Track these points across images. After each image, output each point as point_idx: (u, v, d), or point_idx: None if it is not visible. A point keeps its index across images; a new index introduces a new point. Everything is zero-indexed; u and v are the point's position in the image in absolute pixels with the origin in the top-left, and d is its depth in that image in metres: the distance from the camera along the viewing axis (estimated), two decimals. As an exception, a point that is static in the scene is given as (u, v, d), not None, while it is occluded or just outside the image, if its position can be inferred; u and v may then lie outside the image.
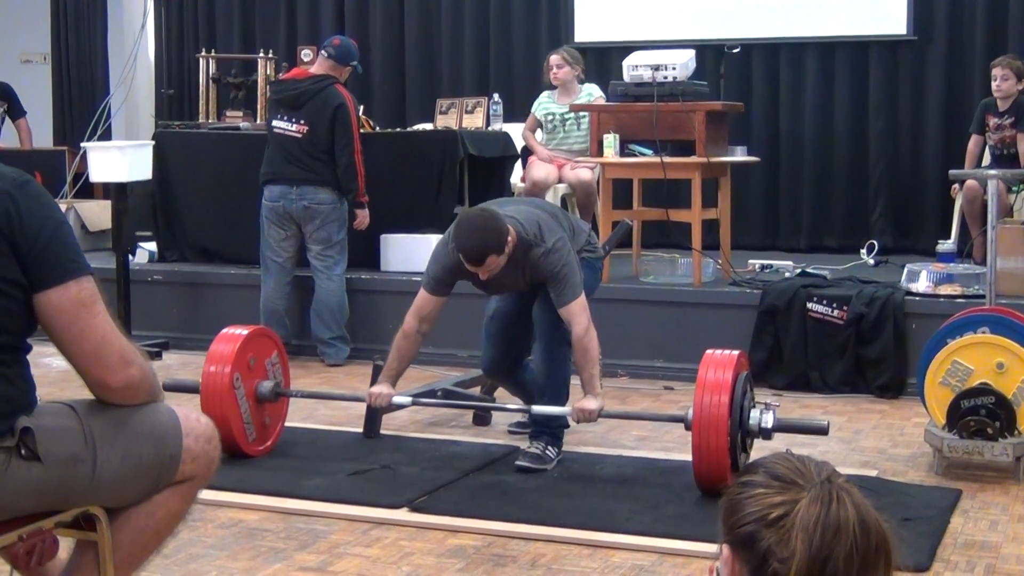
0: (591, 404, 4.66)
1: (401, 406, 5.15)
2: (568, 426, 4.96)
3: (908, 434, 5.57)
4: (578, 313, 4.70)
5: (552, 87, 8.23)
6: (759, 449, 4.51)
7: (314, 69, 7.34)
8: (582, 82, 8.23)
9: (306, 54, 8.36)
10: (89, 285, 2.51)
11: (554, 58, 8.19)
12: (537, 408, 4.95)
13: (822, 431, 4.52)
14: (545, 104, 8.28)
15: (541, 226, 4.80)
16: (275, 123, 7.21)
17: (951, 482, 4.77)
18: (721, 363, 4.49)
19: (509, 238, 4.66)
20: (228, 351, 4.93)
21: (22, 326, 2.51)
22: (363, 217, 7.27)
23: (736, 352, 4.57)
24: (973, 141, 7.83)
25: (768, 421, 4.48)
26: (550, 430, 4.97)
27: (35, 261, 2.45)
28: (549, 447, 4.96)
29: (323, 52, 7.36)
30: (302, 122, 7.13)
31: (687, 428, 4.47)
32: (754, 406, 4.53)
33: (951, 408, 4.77)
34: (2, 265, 2.44)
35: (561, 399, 4.97)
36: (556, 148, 8.20)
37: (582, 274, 4.84)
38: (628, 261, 7.63)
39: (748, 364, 4.72)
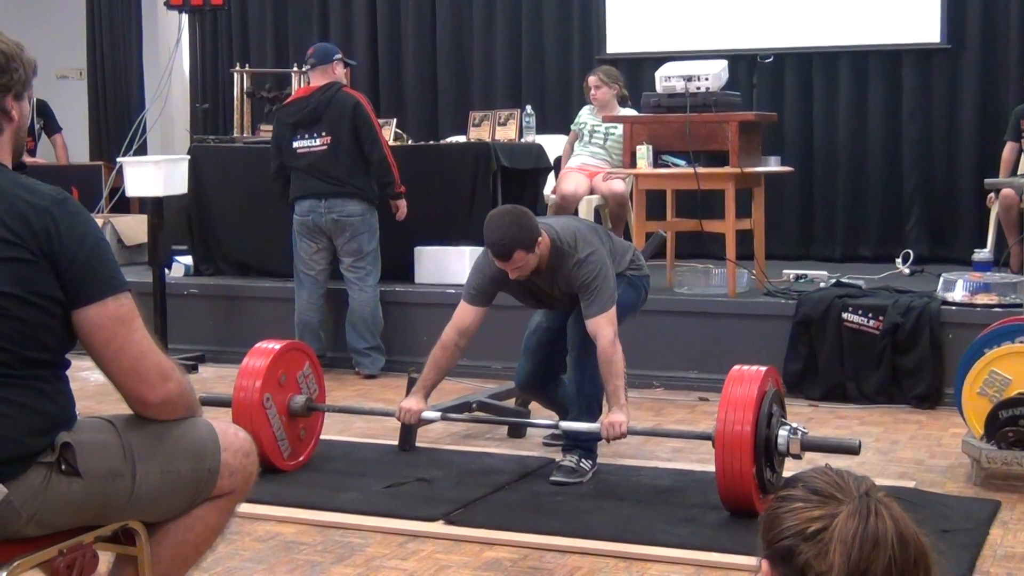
0: (618, 417, 4.62)
1: (430, 421, 5.16)
2: (601, 438, 4.93)
3: (946, 445, 5.53)
4: (604, 326, 4.67)
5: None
6: (794, 464, 4.49)
7: (313, 84, 7.34)
8: (624, 103, 8.24)
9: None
10: (127, 301, 2.52)
11: (591, 79, 8.24)
12: (565, 424, 4.95)
13: (853, 450, 4.39)
14: (584, 116, 8.35)
15: (577, 237, 4.80)
16: (296, 144, 7.19)
17: (990, 493, 4.73)
18: (747, 380, 4.38)
19: (540, 238, 4.67)
20: (258, 367, 4.92)
21: (61, 342, 2.53)
22: (403, 207, 7.28)
23: (763, 368, 4.45)
24: (1008, 148, 7.79)
25: (796, 441, 4.34)
26: (583, 443, 4.96)
27: (73, 278, 2.47)
28: (583, 460, 4.95)
29: (307, 66, 7.41)
30: (324, 134, 7.14)
31: (714, 446, 4.39)
32: (782, 425, 4.39)
33: (989, 418, 4.73)
34: (41, 282, 2.46)
35: (592, 412, 4.96)
36: (584, 155, 8.25)
37: (619, 290, 4.83)
38: (662, 272, 7.61)
39: (779, 380, 4.63)
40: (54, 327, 2.49)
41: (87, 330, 2.49)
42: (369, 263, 7.27)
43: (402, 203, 7.28)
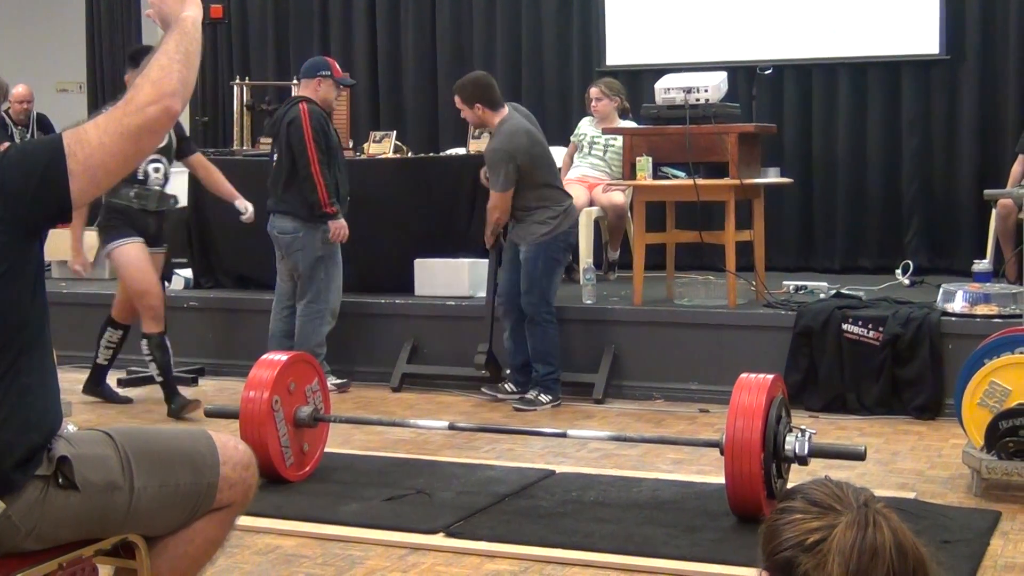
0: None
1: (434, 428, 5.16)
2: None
3: (946, 455, 5.53)
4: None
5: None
6: (796, 473, 4.49)
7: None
8: (624, 116, 8.26)
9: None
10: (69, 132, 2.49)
11: (593, 91, 8.27)
12: (573, 432, 5.11)
13: (859, 456, 4.43)
14: (583, 127, 8.38)
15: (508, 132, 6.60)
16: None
17: (990, 504, 4.73)
18: (755, 387, 4.44)
19: (477, 105, 6.81)
20: (267, 376, 4.94)
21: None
22: (335, 228, 7.02)
23: (770, 376, 4.52)
24: (1019, 161, 7.72)
25: (803, 446, 4.40)
26: (543, 380, 6.65)
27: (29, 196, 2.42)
28: (541, 394, 6.63)
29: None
30: (276, 149, 7.14)
31: (722, 453, 4.43)
32: (790, 431, 4.46)
33: (989, 429, 4.73)
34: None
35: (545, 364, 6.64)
36: (584, 167, 8.28)
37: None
38: (662, 284, 7.62)
39: (784, 388, 4.68)
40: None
41: None
42: (304, 282, 7.09)
43: (336, 224, 7.02)
